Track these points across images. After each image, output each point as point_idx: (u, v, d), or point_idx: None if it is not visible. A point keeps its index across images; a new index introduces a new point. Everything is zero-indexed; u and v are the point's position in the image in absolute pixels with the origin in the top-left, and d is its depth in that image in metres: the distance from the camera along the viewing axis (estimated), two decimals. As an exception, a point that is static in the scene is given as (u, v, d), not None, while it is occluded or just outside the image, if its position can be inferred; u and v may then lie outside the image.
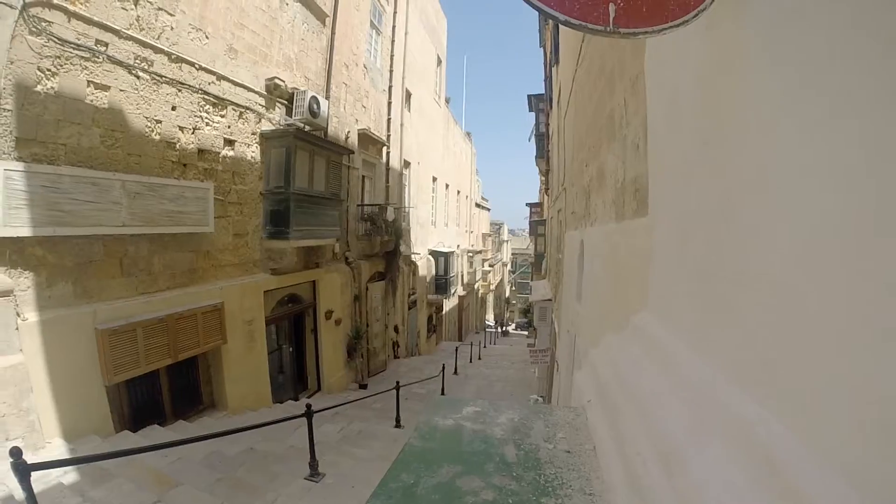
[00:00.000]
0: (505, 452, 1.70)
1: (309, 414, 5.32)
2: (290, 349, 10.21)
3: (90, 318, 5.38)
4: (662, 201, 1.88)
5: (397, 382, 8.80)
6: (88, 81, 5.37)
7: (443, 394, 12.39)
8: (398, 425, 8.45)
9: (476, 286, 33.89)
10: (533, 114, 20.02)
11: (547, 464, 1.67)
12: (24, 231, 4.68)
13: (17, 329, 4.65)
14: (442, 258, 21.37)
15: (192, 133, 6.96)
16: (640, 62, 2.64)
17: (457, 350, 17.93)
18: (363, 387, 12.10)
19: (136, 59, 5.91)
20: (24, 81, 4.72)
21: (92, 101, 5.44)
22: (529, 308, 43.06)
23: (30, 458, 4.38)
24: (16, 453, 2.69)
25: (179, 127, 6.72)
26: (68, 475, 4.12)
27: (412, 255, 17.81)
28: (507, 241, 56.05)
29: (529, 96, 20.14)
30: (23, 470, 2.73)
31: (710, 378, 1.29)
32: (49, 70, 4.95)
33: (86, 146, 5.38)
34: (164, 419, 6.63)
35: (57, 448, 4.76)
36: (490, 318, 44.63)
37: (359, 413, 8.63)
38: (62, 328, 5.07)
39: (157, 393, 6.76)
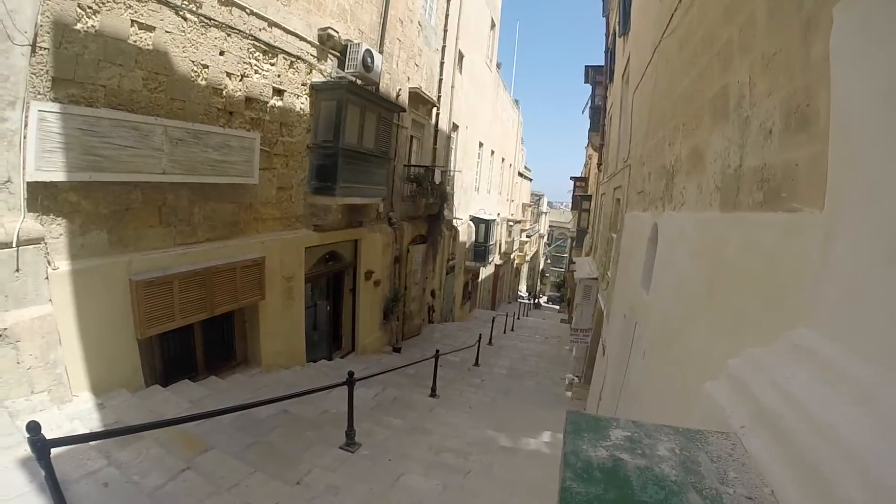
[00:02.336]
0: (688, 502, 1.35)
1: (351, 382, 5.09)
2: (328, 307, 10.07)
3: (125, 268, 5.20)
4: (859, 202, 1.46)
5: (437, 351, 8.57)
6: (132, 21, 5.07)
7: (476, 364, 12.20)
8: (433, 394, 8.27)
9: (512, 256, 33.52)
10: (589, 86, 19.12)
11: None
12: (58, 176, 4.45)
13: (46, 279, 4.48)
14: (483, 225, 20.98)
15: (241, 80, 6.66)
16: (784, 37, 2.20)
17: (493, 320, 17.69)
18: (397, 350, 11.98)
19: (183, -1, 5.60)
20: (63, 19, 4.44)
21: (135, 41, 5.15)
22: (564, 282, 42.55)
23: (55, 413, 4.32)
24: (33, 428, 2.44)
25: (227, 73, 6.42)
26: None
27: (454, 221, 17.48)
28: (545, 213, 55.22)
29: (587, 67, 19.22)
30: (41, 447, 2.49)
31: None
32: (90, 8, 4.65)
33: (127, 89, 5.11)
34: (195, 374, 6.53)
35: (84, 402, 4.65)
36: (523, 290, 44.35)
37: (392, 378, 8.47)
38: (95, 278, 4.90)
39: (189, 347, 6.64)
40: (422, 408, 7.46)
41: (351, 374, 5.20)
